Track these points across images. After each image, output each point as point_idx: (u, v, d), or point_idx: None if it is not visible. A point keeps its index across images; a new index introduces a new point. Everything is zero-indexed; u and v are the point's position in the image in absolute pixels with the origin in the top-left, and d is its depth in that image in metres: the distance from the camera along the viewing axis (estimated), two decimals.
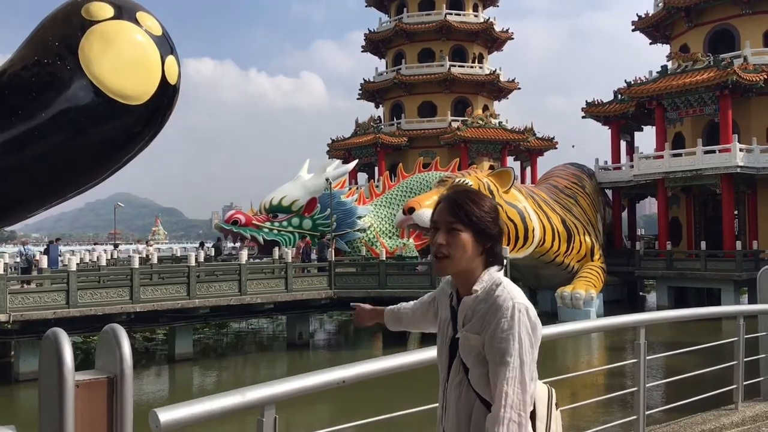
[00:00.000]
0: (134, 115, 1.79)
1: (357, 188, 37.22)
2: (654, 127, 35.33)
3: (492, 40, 46.99)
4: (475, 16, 46.59)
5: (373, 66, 49.42)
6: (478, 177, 25.73)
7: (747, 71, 30.61)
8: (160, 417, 2.22)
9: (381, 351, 23.30)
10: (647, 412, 4.93)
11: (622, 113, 36.64)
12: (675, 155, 32.00)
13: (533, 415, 1.96)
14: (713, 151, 30.52)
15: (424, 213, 22.83)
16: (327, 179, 29.76)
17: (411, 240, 30.45)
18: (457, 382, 2.03)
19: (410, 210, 23.52)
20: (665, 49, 38.80)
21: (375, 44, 47.61)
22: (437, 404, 2.20)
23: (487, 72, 45.64)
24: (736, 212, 32.15)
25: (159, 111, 1.85)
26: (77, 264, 21.44)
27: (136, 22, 1.79)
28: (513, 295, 1.96)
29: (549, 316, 25.77)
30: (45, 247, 28.91)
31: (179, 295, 20.64)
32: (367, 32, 47.64)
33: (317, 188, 30.53)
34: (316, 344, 25.40)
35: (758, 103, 31.74)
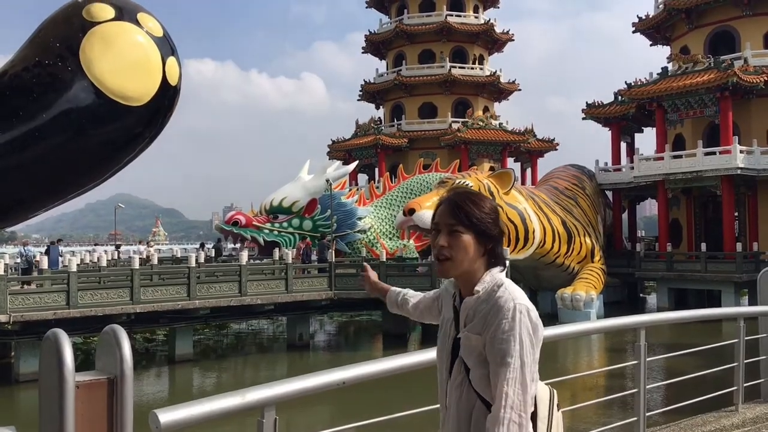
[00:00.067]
0: (135, 116, 1.79)
1: (357, 189, 37.24)
2: (654, 129, 35.33)
3: (492, 41, 47.01)
4: (476, 17, 46.62)
5: (374, 67, 49.45)
6: (478, 178, 25.73)
7: (747, 73, 30.61)
8: (160, 418, 2.22)
9: (381, 352, 23.30)
10: (647, 414, 4.93)
11: (623, 115, 36.65)
12: (675, 157, 32.00)
13: (534, 416, 1.96)
14: (714, 153, 30.51)
15: (425, 214, 22.83)
16: (327, 180, 29.77)
17: (411, 241, 30.46)
18: (458, 382, 2.04)
19: (410, 211, 23.52)
20: (665, 50, 38.84)
21: (375, 45, 47.63)
22: (437, 405, 2.20)
23: (488, 73, 45.67)
24: (736, 214, 32.14)
25: (160, 112, 1.85)
26: (77, 265, 21.45)
27: (137, 23, 1.79)
28: (514, 296, 1.96)
29: (549, 318, 25.75)
30: (46, 247, 28.91)
31: (179, 296, 20.65)
32: (368, 33, 47.68)
33: (317, 189, 30.54)
34: (317, 345, 25.40)
35: (759, 104, 31.74)
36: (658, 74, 33.61)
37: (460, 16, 45.67)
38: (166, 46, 1.84)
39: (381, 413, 3.32)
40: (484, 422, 1.94)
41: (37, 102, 1.69)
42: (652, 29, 37.87)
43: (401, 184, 34.15)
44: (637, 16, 38.60)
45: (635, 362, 4.90)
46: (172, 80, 1.84)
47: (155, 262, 28.64)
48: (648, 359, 4.95)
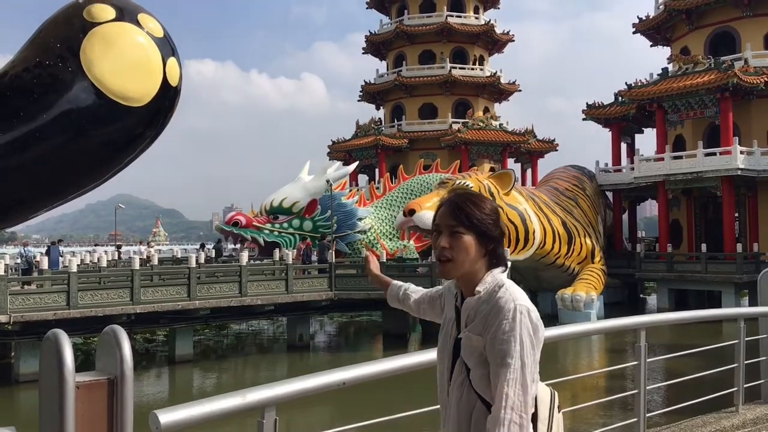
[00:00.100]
0: (135, 117, 1.79)
1: (357, 190, 37.24)
2: (654, 130, 35.32)
3: (493, 42, 47.02)
4: (476, 18, 46.63)
5: (374, 68, 49.41)
6: (478, 179, 25.73)
7: (748, 74, 30.60)
8: (161, 418, 2.22)
9: (381, 353, 23.29)
10: (647, 415, 4.93)
11: (623, 115, 36.65)
12: (675, 157, 32.00)
13: (534, 417, 1.96)
14: (714, 154, 30.51)
15: (425, 215, 22.83)
16: (327, 181, 29.78)
17: (411, 242, 30.45)
18: (459, 382, 2.04)
19: (411, 212, 23.51)
20: (666, 51, 38.84)
21: (376, 46, 47.64)
22: (437, 406, 2.20)
23: (488, 74, 45.68)
24: (736, 215, 32.13)
25: (160, 112, 1.85)
26: (78, 265, 21.45)
27: (138, 23, 1.80)
28: (515, 296, 1.97)
29: (549, 318, 25.74)
30: (46, 248, 28.92)
31: (180, 296, 20.65)
32: (368, 34, 47.70)
33: (318, 190, 30.55)
34: (317, 346, 25.39)
35: (759, 105, 31.74)
36: (658, 75, 33.61)
37: (460, 16, 45.67)
38: (167, 46, 1.84)
39: (381, 414, 3.32)
40: (485, 423, 1.94)
41: (37, 102, 1.69)
42: (653, 30, 37.87)
43: (401, 184, 34.15)
44: (638, 16, 38.62)
45: (635, 363, 4.89)
46: (173, 81, 1.84)
47: (155, 262, 28.66)
48: (648, 360, 4.95)
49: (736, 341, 5.90)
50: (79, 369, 1.95)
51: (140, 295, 19.75)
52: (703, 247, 30.40)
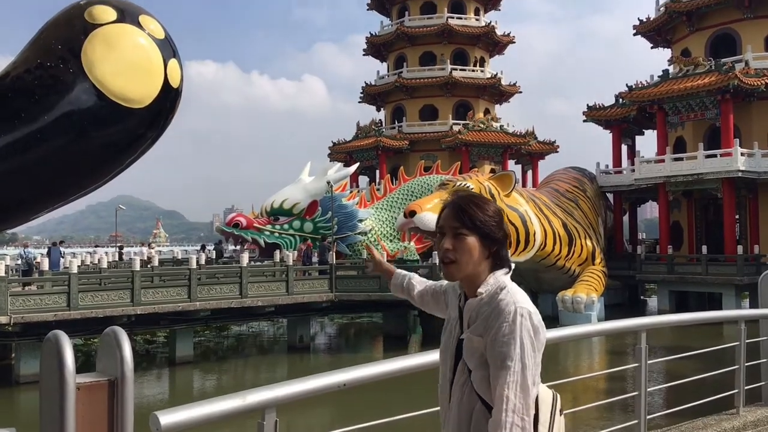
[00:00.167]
0: (137, 118, 1.79)
1: (358, 191, 37.26)
2: (655, 131, 35.33)
3: (493, 43, 47.05)
4: (477, 19, 46.66)
5: (375, 69, 49.37)
6: (479, 180, 25.73)
7: (748, 76, 30.62)
8: (161, 420, 2.22)
9: (382, 354, 23.29)
10: (648, 417, 4.92)
11: (624, 117, 36.66)
12: (676, 159, 32.00)
13: (535, 420, 1.96)
14: (714, 156, 30.51)
15: (425, 216, 22.84)
16: (328, 182, 29.79)
17: (412, 243, 30.46)
18: (461, 383, 2.04)
19: (411, 213, 23.52)
20: (666, 53, 38.87)
21: (376, 47, 47.68)
22: (438, 407, 2.20)
23: (489, 75, 45.70)
24: (737, 216, 32.13)
25: (161, 114, 1.85)
26: (78, 266, 21.46)
27: (139, 25, 1.80)
28: (516, 299, 1.97)
29: (550, 320, 25.72)
30: (47, 249, 28.94)
31: (180, 297, 20.65)
32: (369, 35, 47.74)
33: (318, 191, 30.57)
34: (317, 347, 25.39)
35: (759, 107, 31.74)
36: (658, 77, 33.62)
37: (461, 18, 45.71)
38: (168, 48, 1.85)
39: (382, 415, 3.32)
40: (484, 423, 1.94)
41: (38, 104, 1.69)
42: (653, 32, 37.88)
43: (402, 186, 34.16)
44: (638, 18, 38.63)
45: (636, 365, 4.89)
46: (174, 82, 1.84)
47: (156, 263, 28.68)
48: (649, 362, 4.95)
49: (737, 343, 5.90)
50: (79, 370, 1.95)
51: (141, 297, 19.76)
52: (704, 249, 30.40)
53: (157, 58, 1.80)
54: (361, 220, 31.45)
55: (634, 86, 34.23)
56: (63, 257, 26.14)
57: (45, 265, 22.74)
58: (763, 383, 6.31)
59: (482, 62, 46.96)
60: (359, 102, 49.61)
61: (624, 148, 39.36)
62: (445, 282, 2.39)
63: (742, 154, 29.90)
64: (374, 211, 32.93)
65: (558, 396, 2.10)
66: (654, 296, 35.26)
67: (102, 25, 1.75)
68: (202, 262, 25.16)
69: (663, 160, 32.35)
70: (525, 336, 1.90)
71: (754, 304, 24.92)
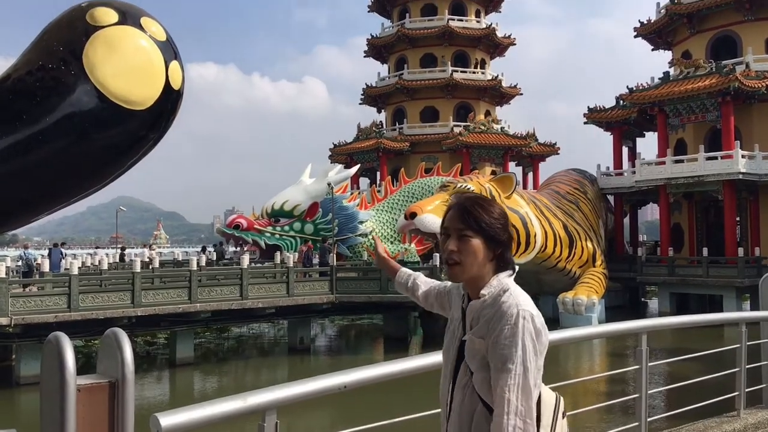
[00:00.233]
0: (138, 120, 1.79)
1: (359, 193, 37.24)
2: (656, 134, 35.33)
3: (494, 45, 47.07)
4: (478, 21, 46.69)
5: (376, 71, 49.41)
6: (480, 182, 25.71)
7: (749, 78, 30.62)
8: (162, 421, 2.22)
9: (382, 356, 23.28)
10: (649, 419, 4.92)
11: (624, 119, 36.66)
12: (677, 161, 31.99)
13: (538, 422, 1.95)
14: (715, 158, 30.51)
15: (426, 218, 22.83)
16: (329, 184, 29.80)
17: (413, 245, 30.46)
18: (463, 384, 2.04)
19: (412, 215, 23.51)
20: (667, 55, 38.85)
21: (377, 49, 47.71)
22: (439, 409, 2.20)
23: (489, 77, 45.72)
24: (738, 219, 32.12)
25: (163, 116, 1.85)
26: (79, 268, 21.46)
27: (141, 27, 1.80)
28: (518, 301, 1.96)
29: (551, 322, 25.52)
30: (48, 250, 28.95)
31: (181, 299, 20.66)
32: (370, 37, 47.77)
33: (319, 193, 30.57)
34: (317, 349, 25.38)
35: (760, 109, 31.73)
36: (659, 79, 33.61)
37: (461, 20, 45.74)
38: (169, 50, 1.85)
39: (382, 417, 3.32)
40: (485, 425, 1.94)
41: (40, 106, 1.70)
42: (654, 34, 37.89)
43: (403, 187, 34.16)
44: (639, 20, 38.65)
45: (637, 367, 4.89)
46: (175, 84, 1.85)
47: (156, 265, 28.68)
48: (649, 364, 4.94)
49: (738, 345, 5.89)
50: (80, 371, 1.96)
51: (141, 298, 19.76)
52: (705, 251, 30.38)
53: (158, 60, 1.80)
54: (361, 222, 31.45)
55: (634, 88, 34.23)
56: (64, 258, 26.15)
57: (45, 266, 22.74)
58: (763, 386, 6.31)
59: (483, 64, 46.97)
60: (360, 104, 49.64)
61: (625, 150, 39.35)
62: (449, 283, 2.39)
63: (742, 157, 29.89)
64: (375, 212, 32.93)
65: (561, 398, 2.09)
66: (655, 298, 35.24)
67: (103, 27, 1.75)
68: (203, 263, 25.16)
69: (664, 162, 32.34)
70: (527, 339, 1.90)
71: (754, 307, 24.90)
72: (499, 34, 46.49)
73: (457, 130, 42.45)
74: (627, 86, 34.82)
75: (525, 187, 44.42)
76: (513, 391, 1.86)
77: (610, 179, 36.44)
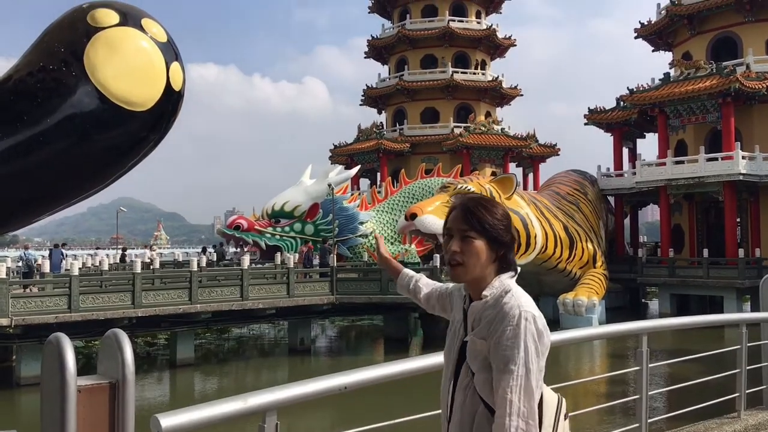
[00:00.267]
0: (139, 122, 1.79)
1: (359, 194, 37.24)
2: (656, 135, 35.33)
3: (494, 46, 47.08)
4: (478, 22, 46.70)
5: (376, 72, 49.39)
6: (480, 183, 25.71)
7: (750, 79, 30.62)
8: (162, 422, 2.22)
9: (382, 357, 23.27)
10: (649, 420, 4.92)
11: (625, 120, 36.67)
12: (677, 162, 31.99)
13: (539, 424, 1.95)
14: (716, 159, 30.51)
15: (426, 219, 22.84)
16: (329, 185, 29.80)
17: (413, 246, 30.46)
18: (464, 385, 2.04)
19: (412, 216, 23.51)
20: (667, 56, 38.86)
21: (378, 50, 47.73)
22: (439, 410, 2.20)
23: (490, 78, 45.72)
24: (738, 220, 32.12)
25: (164, 117, 1.86)
26: (79, 268, 21.46)
27: (141, 28, 1.80)
28: (520, 302, 1.96)
29: (551, 323, 25.34)
30: (49, 251, 28.96)
31: (181, 300, 20.66)
32: (370, 38, 47.78)
33: (319, 194, 30.58)
34: (318, 350, 25.37)
35: (761, 110, 31.73)
36: (660, 80, 33.61)
37: (462, 21, 45.75)
38: (170, 51, 1.85)
39: (383, 418, 3.32)
40: (487, 426, 1.94)
41: (41, 107, 1.70)
42: (654, 35, 37.90)
43: (403, 188, 34.17)
44: (639, 22, 38.66)
45: (637, 368, 4.89)
46: (176, 85, 1.85)
47: (157, 266, 28.67)
48: (650, 365, 4.94)
49: (738, 347, 5.89)
50: (80, 372, 1.96)
51: (141, 299, 19.76)
52: (705, 252, 30.37)
53: (159, 61, 1.81)
54: (362, 223, 31.45)
55: (635, 89, 34.25)
56: (64, 259, 26.16)
57: (46, 267, 22.74)
58: (764, 387, 6.30)
59: (483, 65, 46.99)
60: (360, 105, 49.65)
61: (625, 151, 39.36)
62: (450, 284, 2.39)
63: (743, 158, 29.89)
64: (375, 213, 32.94)
65: (563, 400, 2.09)
66: (655, 299, 35.23)
67: (104, 28, 1.75)
68: (203, 264, 25.15)
69: (664, 164, 32.34)
70: (529, 340, 1.89)
71: (755, 308, 24.88)
72: (500, 35, 46.51)
73: (457, 131, 42.46)
74: (627, 87, 34.86)
75: (525, 188, 44.41)
76: (515, 393, 1.85)
77: (610, 180, 36.44)
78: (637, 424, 4.81)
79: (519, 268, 2.12)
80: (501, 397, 1.87)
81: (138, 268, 20.47)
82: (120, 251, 40.16)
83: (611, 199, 37.17)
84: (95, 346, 21.09)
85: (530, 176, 47.94)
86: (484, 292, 2.03)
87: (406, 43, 45.32)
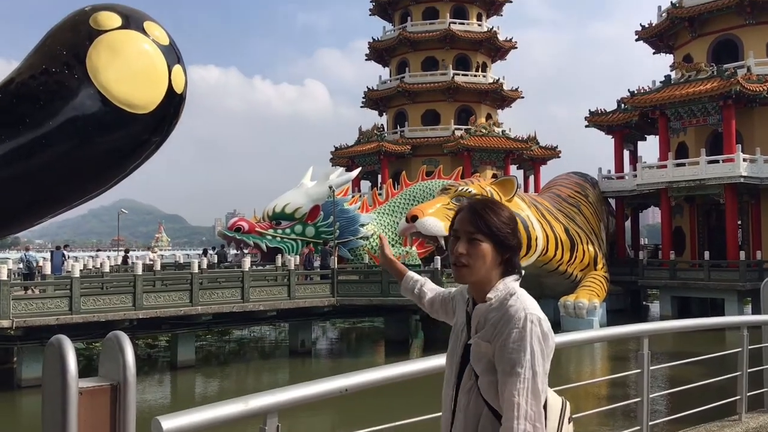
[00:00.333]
0: (141, 124, 1.80)
1: (360, 196, 37.26)
2: (657, 137, 35.32)
3: (495, 49, 47.11)
4: (479, 25, 46.73)
5: (377, 74, 49.41)
6: (481, 185, 25.73)
7: (750, 81, 30.63)
8: (163, 425, 2.22)
9: (383, 359, 23.26)
10: (651, 423, 4.91)
11: (626, 123, 36.66)
12: (678, 165, 31.98)
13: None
14: (717, 161, 30.50)
15: (427, 221, 22.84)
16: (330, 187, 29.81)
17: (414, 248, 30.45)
18: (468, 388, 2.03)
19: (413, 218, 23.52)
20: (668, 59, 38.85)
21: (379, 52, 47.76)
22: (440, 413, 2.20)
23: (491, 81, 45.74)
24: (739, 222, 32.09)
25: (165, 120, 1.86)
26: (80, 270, 21.47)
27: (144, 31, 1.81)
28: (526, 305, 1.96)
29: (552, 326, 25.66)
30: (50, 253, 28.97)
31: (182, 302, 20.66)
32: (371, 41, 47.82)
33: (320, 196, 30.58)
34: (318, 352, 25.36)
35: (762, 113, 31.73)
36: (661, 82, 33.62)
37: (463, 24, 45.79)
38: (172, 54, 1.86)
39: (383, 421, 3.32)
40: (491, 429, 1.94)
41: (43, 109, 1.70)
42: (655, 37, 37.91)
43: (404, 190, 34.18)
44: (640, 24, 38.68)
45: (638, 371, 4.88)
46: (178, 88, 1.85)
47: (158, 267, 28.68)
48: (651, 368, 4.94)
49: (739, 349, 5.89)
50: (81, 374, 1.96)
51: (142, 301, 19.77)
52: (706, 254, 30.34)
53: (161, 64, 1.81)
54: (362, 225, 31.46)
55: (636, 92, 34.25)
56: (66, 261, 26.17)
57: (47, 268, 22.74)
58: (765, 390, 6.30)
59: (484, 67, 47.01)
60: (361, 107, 49.66)
61: (626, 153, 39.35)
62: (453, 289, 2.39)
63: (744, 160, 29.88)
64: (376, 215, 32.94)
65: (567, 403, 2.09)
66: (656, 302, 35.20)
67: (107, 31, 1.76)
68: (204, 266, 25.16)
69: (665, 166, 32.33)
70: (535, 343, 1.89)
71: (756, 310, 24.86)
72: (501, 37, 46.53)
73: (458, 133, 42.47)
74: (628, 90, 34.85)
75: (526, 190, 44.41)
76: (522, 396, 1.85)
77: (611, 182, 36.44)
78: (638, 427, 4.81)
79: (523, 271, 2.12)
80: (508, 401, 1.87)
81: (139, 270, 20.48)
82: (122, 253, 40.16)
83: (612, 202, 37.16)
84: (96, 348, 21.10)
85: (531, 178, 47.96)
86: (489, 295, 2.02)
87: (407, 46, 45.35)
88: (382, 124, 47.20)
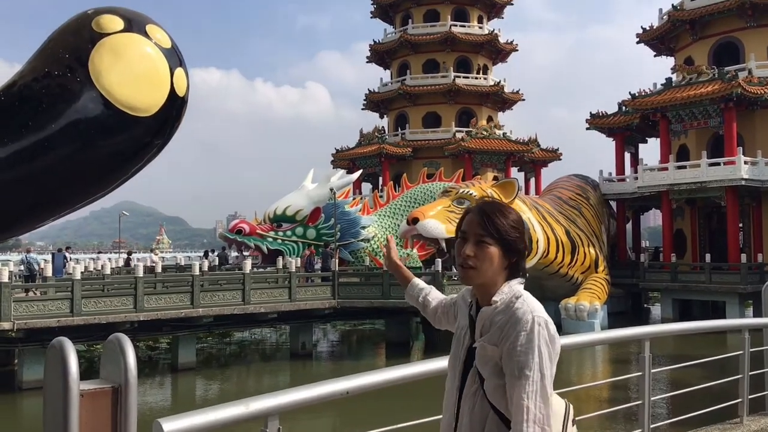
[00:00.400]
0: (143, 127, 1.80)
1: (361, 198, 37.24)
2: (658, 139, 35.31)
3: (496, 51, 47.13)
4: (480, 27, 46.76)
5: (378, 76, 49.47)
6: (482, 188, 25.73)
7: (752, 84, 30.63)
8: (164, 427, 2.22)
9: (384, 361, 23.24)
10: (652, 426, 4.91)
11: (627, 125, 36.66)
12: (679, 167, 31.98)
13: None
14: (718, 164, 30.49)
15: (428, 223, 22.84)
16: (331, 189, 29.82)
17: (414, 250, 30.44)
18: (472, 391, 2.03)
19: (414, 220, 23.51)
20: (670, 61, 38.88)
21: (380, 55, 47.79)
22: (440, 416, 2.19)
23: (492, 83, 45.76)
24: (740, 225, 32.06)
25: (167, 122, 1.86)
26: (81, 273, 21.48)
27: (146, 34, 1.81)
28: (532, 308, 1.96)
29: None
30: (51, 255, 28.98)
31: (183, 304, 20.66)
32: (372, 43, 47.85)
33: (321, 198, 30.58)
34: (319, 354, 25.35)
35: (763, 115, 31.72)
36: (662, 85, 33.64)
37: (464, 26, 45.81)
38: (174, 57, 1.86)
39: (384, 423, 3.32)
40: None
41: (46, 112, 1.71)
42: (656, 40, 37.93)
43: (405, 193, 34.18)
44: (641, 26, 38.70)
45: (640, 374, 4.88)
46: (180, 91, 1.86)
47: (159, 270, 28.66)
48: (652, 371, 4.93)
49: (741, 352, 5.88)
50: (82, 376, 1.96)
51: (143, 303, 19.77)
52: (707, 257, 30.32)
53: (163, 67, 1.82)
54: (363, 227, 31.45)
55: (637, 94, 34.26)
56: (67, 263, 26.17)
57: (48, 271, 22.75)
58: (767, 392, 6.29)
59: (485, 70, 47.03)
60: (362, 109, 49.70)
61: (627, 155, 39.35)
62: (455, 295, 2.39)
63: (745, 163, 29.87)
64: (377, 218, 32.93)
65: (570, 406, 2.09)
66: (657, 304, 35.17)
67: (109, 34, 1.76)
68: (205, 268, 25.17)
69: (666, 168, 32.32)
70: (543, 346, 1.89)
71: (757, 313, 24.83)
72: (502, 40, 46.54)
73: (459, 135, 42.46)
74: (629, 92, 34.86)
75: (527, 192, 44.40)
76: (531, 399, 1.84)
77: (612, 185, 36.43)
78: (639, 430, 4.80)
79: (528, 274, 2.12)
80: (517, 404, 1.86)
81: (140, 272, 20.49)
82: (125, 255, 40.18)
83: (613, 204, 37.14)
84: (97, 350, 21.10)
85: (532, 181, 47.95)
86: (494, 298, 2.02)
87: (408, 48, 45.38)
88: (383, 127, 47.22)
